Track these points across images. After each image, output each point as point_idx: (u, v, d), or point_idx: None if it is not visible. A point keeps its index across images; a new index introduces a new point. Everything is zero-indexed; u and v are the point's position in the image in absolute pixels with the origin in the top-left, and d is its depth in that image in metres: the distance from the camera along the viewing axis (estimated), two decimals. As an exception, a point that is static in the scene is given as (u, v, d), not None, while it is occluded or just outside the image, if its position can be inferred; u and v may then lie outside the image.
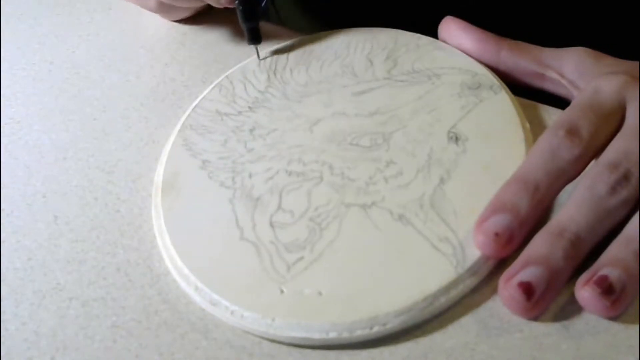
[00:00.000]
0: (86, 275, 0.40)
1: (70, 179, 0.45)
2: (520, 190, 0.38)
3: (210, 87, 0.48)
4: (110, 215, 0.43)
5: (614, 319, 0.36)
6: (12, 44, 0.54)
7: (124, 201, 0.44)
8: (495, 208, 0.38)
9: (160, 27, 0.54)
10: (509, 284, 0.36)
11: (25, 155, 0.47)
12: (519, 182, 0.38)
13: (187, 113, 0.46)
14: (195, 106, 0.47)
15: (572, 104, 0.41)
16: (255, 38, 0.49)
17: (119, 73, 0.51)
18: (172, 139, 0.45)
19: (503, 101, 0.44)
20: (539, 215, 0.38)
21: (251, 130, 0.45)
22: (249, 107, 0.46)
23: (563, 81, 0.44)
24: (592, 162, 0.40)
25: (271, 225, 0.40)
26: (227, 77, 0.48)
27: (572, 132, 0.39)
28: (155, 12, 0.55)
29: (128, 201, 0.44)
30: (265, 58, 0.49)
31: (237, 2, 0.48)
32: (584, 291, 0.35)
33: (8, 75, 0.52)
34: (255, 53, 0.49)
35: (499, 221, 0.37)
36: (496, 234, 0.37)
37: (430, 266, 0.37)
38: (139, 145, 0.47)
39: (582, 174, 0.39)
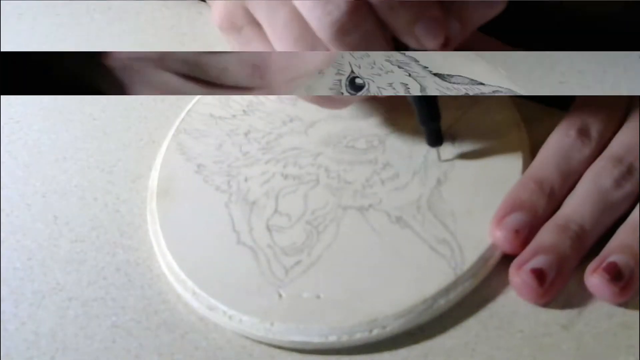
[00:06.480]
0: (86, 275, 0.41)
1: (70, 179, 0.45)
2: (537, 190, 0.39)
3: None
4: (110, 215, 0.43)
5: (615, 316, 0.36)
6: (12, 44, 0.54)
7: (124, 201, 0.44)
8: (513, 205, 0.39)
9: (160, 27, 0.54)
10: (521, 270, 0.37)
11: (25, 155, 0.47)
12: (536, 182, 0.39)
13: (181, 117, 0.46)
14: (189, 110, 0.46)
15: (577, 102, 0.42)
16: (438, 139, 0.41)
17: (118, 73, 0.51)
18: (166, 143, 0.45)
19: (500, 101, 0.44)
20: (551, 214, 0.39)
21: (246, 134, 0.45)
22: (244, 111, 0.46)
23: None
24: None
25: (268, 229, 0.40)
26: None
27: (582, 132, 0.40)
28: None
29: (128, 201, 0.44)
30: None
31: (415, 100, 0.40)
32: (594, 278, 0.36)
33: (8, 76, 0.52)
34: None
35: (518, 219, 0.38)
36: (516, 231, 0.38)
37: (429, 268, 0.38)
38: (138, 145, 0.47)
39: None
